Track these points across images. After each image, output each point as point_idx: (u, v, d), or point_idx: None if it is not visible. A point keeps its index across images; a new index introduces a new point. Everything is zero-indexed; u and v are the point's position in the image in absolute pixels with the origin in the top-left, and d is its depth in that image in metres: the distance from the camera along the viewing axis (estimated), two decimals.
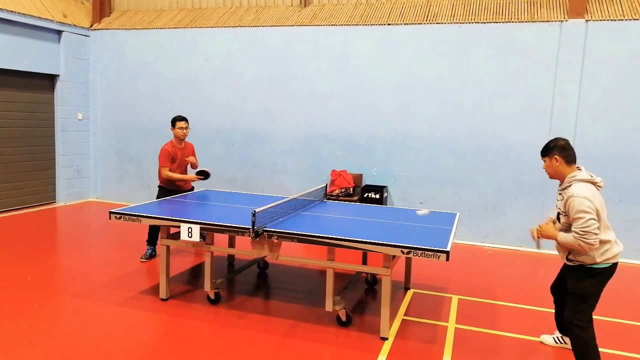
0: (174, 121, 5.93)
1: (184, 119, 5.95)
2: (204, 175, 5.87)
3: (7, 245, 6.30)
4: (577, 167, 3.42)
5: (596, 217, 3.19)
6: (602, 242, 3.25)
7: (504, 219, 7.20)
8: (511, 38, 7.00)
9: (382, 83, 7.64)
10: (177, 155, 5.90)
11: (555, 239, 3.40)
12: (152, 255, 5.99)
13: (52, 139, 9.03)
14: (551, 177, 3.51)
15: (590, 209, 3.17)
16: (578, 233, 3.19)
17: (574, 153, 3.42)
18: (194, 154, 6.13)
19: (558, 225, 3.50)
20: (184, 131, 5.90)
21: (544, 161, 3.49)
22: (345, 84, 7.84)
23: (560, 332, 3.99)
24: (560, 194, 3.44)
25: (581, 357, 3.39)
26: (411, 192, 7.62)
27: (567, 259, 3.43)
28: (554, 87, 6.84)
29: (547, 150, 3.44)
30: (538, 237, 3.56)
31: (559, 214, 3.45)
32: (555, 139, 3.45)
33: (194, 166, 6.06)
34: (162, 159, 5.81)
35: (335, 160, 7.98)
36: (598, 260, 3.28)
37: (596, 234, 3.16)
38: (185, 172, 6.06)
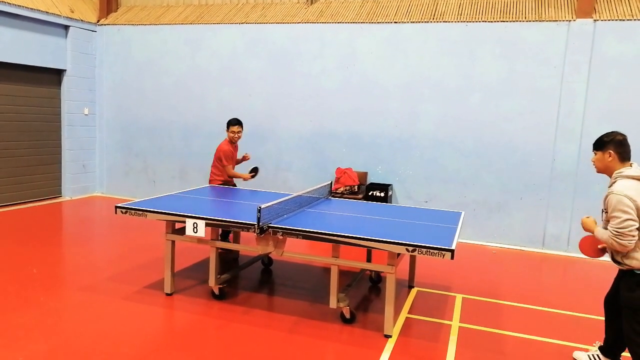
0: (228, 124, 6.08)
1: (238, 123, 6.07)
2: (255, 172, 6.12)
3: (13, 239, 6.33)
4: (630, 164, 3.21)
5: (636, 218, 3.02)
6: None
7: (509, 218, 7.18)
8: (518, 37, 6.97)
9: (388, 81, 7.63)
10: (233, 154, 6.15)
11: (593, 234, 3.31)
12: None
13: (59, 133, 9.06)
14: (599, 171, 3.34)
15: (629, 208, 3.01)
16: (612, 232, 3.07)
17: (630, 150, 3.24)
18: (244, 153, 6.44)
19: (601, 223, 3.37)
20: (237, 135, 6.07)
21: (595, 154, 3.31)
22: (351, 82, 7.84)
23: (605, 354, 3.60)
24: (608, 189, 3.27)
25: None
26: (416, 191, 7.62)
27: (613, 260, 3.23)
28: (561, 87, 6.82)
29: (602, 144, 3.24)
30: (598, 251, 3.45)
31: (602, 210, 3.28)
32: (613, 133, 3.24)
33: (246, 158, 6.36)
34: (225, 158, 5.96)
35: (340, 158, 7.97)
36: None
37: (633, 235, 3.01)
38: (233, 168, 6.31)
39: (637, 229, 3.03)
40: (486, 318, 4.50)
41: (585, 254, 3.57)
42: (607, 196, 3.16)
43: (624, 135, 3.24)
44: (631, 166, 3.21)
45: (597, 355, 3.65)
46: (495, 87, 7.11)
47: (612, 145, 3.20)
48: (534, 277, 5.94)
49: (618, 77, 6.59)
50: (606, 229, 3.22)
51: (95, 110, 9.56)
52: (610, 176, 3.27)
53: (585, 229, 3.39)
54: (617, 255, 3.21)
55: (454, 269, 5.89)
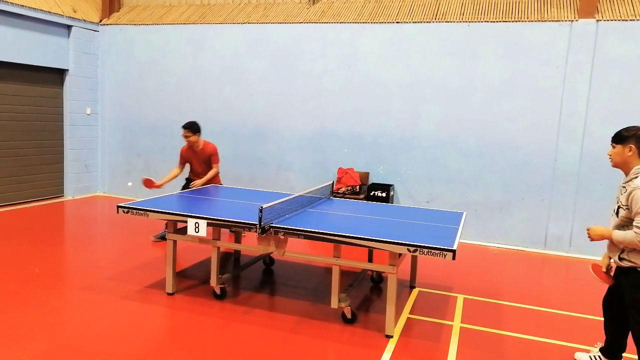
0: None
1: (185, 127, 6.06)
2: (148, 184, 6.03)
3: (15, 238, 6.35)
4: None
5: None
6: None
7: (510, 219, 7.17)
8: (520, 37, 6.95)
9: (389, 81, 7.63)
10: (189, 157, 6.22)
11: (610, 239, 3.16)
12: (164, 238, 6.16)
13: (61, 133, 9.08)
14: (615, 165, 3.26)
15: None
16: None
17: None
18: (211, 157, 6.23)
19: (615, 220, 3.21)
20: (185, 139, 6.08)
21: (613, 147, 3.22)
22: (353, 82, 7.83)
23: (606, 355, 3.58)
24: (623, 186, 3.17)
25: None
26: (418, 191, 7.61)
27: (619, 258, 3.16)
28: (563, 87, 6.80)
29: (622, 138, 3.16)
30: (607, 276, 3.32)
31: (619, 207, 3.15)
32: (635, 127, 3.16)
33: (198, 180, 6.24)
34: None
35: (341, 158, 7.97)
36: None
37: None
38: (203, 172, 6.24)
39: None
40: (487, 318, 4.49)
41: (604, 282, 3.42)
42: (631, 192, 3.04)
43: None
44: None
45: (599, 356, 3.62)
46: (498, 87, 7.10)
47: (634, 140, 3.13)
48: (535, 277, 5.93)
49: (620, 78, 6.58)
50: (623, 227, 3.13)
51: (98, 110, 9.58)
52: (625, 171, 3.21)
53: (597, 237, 3.22)
54: (624, 252, 3.15)
55: (456, 269, 5.88)
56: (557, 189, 6.91)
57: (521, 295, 5.13)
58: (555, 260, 6.63)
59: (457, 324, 4.35)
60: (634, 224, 3.01)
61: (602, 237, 3.20)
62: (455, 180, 7.40)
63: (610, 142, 3.30)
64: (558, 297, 5.18)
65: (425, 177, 7.55)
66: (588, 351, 3.79)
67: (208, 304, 4.53)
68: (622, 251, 3.16)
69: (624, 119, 6.55)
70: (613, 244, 3.21)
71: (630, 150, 3.14)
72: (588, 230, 3.26)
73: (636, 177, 3.10)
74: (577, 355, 3.78)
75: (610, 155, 3.27)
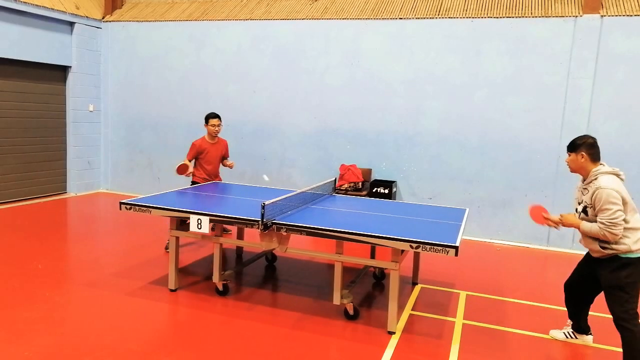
0: (207, 118, 6.02)
1: (217, 116, 6.02)
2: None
3: (18, 235, 6.37)
4: (601, 164, 3.51)
5: (623, 209, 3.28)
6: (634, 230, 3.33)
7: (513, 215, 7.15)
8: (524, 33, 6.92)
9: (392, 78, 7.61)
10: (207, 150, 6.01)
11: (578, 228, 3.49)
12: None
13: (64, 130, 9.09)
14: (572, 171, 3.60)
15: (617, 200, 3.27)
16: (604, 224, 3.28)
17: (599, 151, 3.53)
18: (226, 150, 6.26)
19: (583, 216, 3.54)
20: (217, 128, 5.99)
21: (569, 155, 3.58)
22: (356, 79, 7.81)
23: (574, 329, 4.03)
24: (585, 188, 3.51)
25: (631, 352, 3.34)
26: (420, 188, 7.60)
27: (601, 247, 3.41)
28: (567, 83, 6.77)
29: (575, 147, 3.52)
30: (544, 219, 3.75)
31: (585, 207, 3.47)
32: (585, 136, 3.54)
33: (228, 166, 6.25)
34: (189, 151, 6.01)
35: (344, 154, 7.96)
36: (633, 248, 3.32)
37: (621, 225, 3.27)
38: (217, 168, 6.19)
39: (623, 220, 3.29)
40: (490, 315, 4.49)
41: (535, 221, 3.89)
42: (594, 192, 3.36)
43: (594, 138, 3.52)
44: (603, 165, 3.48)
45: (571, 332, 4.02)
46: (501, 84, 7.07)
47: (584, 147, 3.47)
48: (538, 274, 5.92)
49: (625, 74, 6.54)
50: (591, 222, 3.42)
51: (100, 107, 9.59)
52: (583, 175, 3.54)
53: (568, 224, 3.56)
54: (605, 242, 3.39)
55: (458, 266, 5.87)
56: (560, 186, 6.88)
57: (524, 292, 5.12)
58: (558, 257, 6.61)
59: (459, 320, 4.34)
60: (598, 219, 3.35)
61: (571, 225, 3.54)
62: (458, 177, 7.38)
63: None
64: (561, 293, 5.13)
65: (428, 174, 7.54)
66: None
67: (210, 300, 4.54)
68: (602, 241, 3.41)
69: (628, 115, 6.53)
70: (582, 234, 3.53)
71: (582, 157, 3.48)
72: (561, 216, 3.60)
73: (595, 179, 3.42)
74: (552, 332, 4.11)
75: (567, 163, 3.61)
